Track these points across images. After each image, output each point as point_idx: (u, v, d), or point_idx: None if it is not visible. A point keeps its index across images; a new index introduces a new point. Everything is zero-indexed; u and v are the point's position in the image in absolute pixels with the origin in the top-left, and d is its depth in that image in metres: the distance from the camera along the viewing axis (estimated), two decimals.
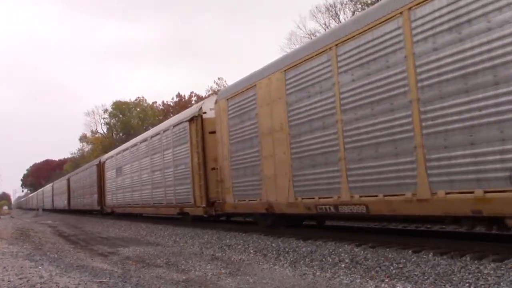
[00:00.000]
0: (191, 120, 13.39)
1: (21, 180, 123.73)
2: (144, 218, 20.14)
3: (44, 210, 52.09)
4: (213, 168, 12.25)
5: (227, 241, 9.99)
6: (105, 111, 67.63)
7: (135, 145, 19.56)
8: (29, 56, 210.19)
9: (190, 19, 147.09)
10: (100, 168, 26.09)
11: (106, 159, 25.33)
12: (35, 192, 77.97)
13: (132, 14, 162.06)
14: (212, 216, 13.01)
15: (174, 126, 14.90)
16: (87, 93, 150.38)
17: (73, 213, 36.69)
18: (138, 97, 67.06)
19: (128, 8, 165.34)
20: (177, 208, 14.71)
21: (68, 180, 38.85)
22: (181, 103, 57.27)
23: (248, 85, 10.44)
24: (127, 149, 20.99)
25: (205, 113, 12.97)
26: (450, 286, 4.91)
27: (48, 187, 55.83)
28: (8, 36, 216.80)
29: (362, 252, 6.93)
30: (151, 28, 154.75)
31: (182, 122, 14.21)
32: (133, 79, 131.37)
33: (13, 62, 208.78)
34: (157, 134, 16.64)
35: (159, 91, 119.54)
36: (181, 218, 15.61)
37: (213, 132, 12.22)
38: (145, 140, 18.19)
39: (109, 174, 24.16)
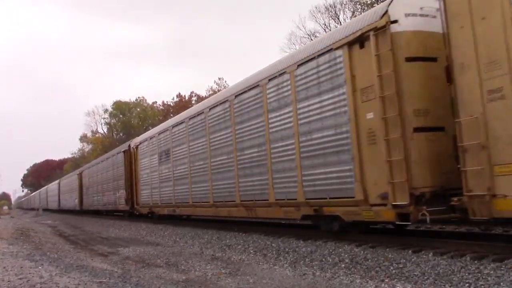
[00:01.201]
0: (357, 41, 7.37)
1: (21, 180, 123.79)
2: (145, 218, 19.21)
3: (50, 211, 48.07)
4: (419, 129, 6.66)
5: (227, 241, 9.99)
6: (106, 111, 67.76)
7: (199, 113, 13.15)
8: (29, 56, 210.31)
9: (190, 20, 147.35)
10: (130, 155, 19.89)
11: (141, 142, 18.84)
12: (38, 191, 71.19)
13: (132, 15, 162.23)
14: (422, 223, 7.38)
15: (300, 64, 8.71)
16: (87, 93, 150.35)
17: (84, 214, 31.58)
18: (138, 97, 67.19)
19: (128, 9, 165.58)
20: (306, 208, 8.60)
21: (80, 174, 32.44)
22: (181, 103, 57.31)
23: None
24: (181, 122, 14.58)
25: (395, 22, 6.83)
26: (450, 286, 4.91)
27: (53, 184, 49.68)
28: (8, 36, 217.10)
29: (362, 252, 6.93)
30: (151, 29, 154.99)
31: (329, 50, 7.96)
32: (133, 79, 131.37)
33: (13, 62, 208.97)
34: (251, 88, 10.34)
35: (159, 91, 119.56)
36: (310, 226, 9.79)
37: (419, 59, 6.81)
38: (221, 102, 11.81)
39: (146, 162, 17.83)
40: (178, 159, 14.53)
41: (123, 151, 21.01)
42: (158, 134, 16.66)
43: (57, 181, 47.22)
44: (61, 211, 42.60)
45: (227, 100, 11.45)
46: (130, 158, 19.90)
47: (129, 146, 20.43)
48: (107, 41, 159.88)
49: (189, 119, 13.88)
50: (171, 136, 15.23)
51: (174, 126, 15.17)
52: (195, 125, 13.39)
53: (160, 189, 16.30)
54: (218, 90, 45.59)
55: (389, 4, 6.98)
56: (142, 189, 18.41)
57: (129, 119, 65.50)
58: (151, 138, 17.59)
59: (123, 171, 20.63)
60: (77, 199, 32.67)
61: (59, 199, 42.98)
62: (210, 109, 12.43)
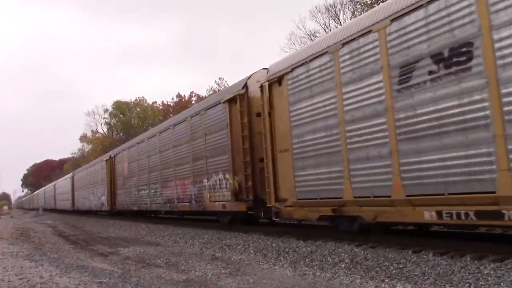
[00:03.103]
0: None
1: (21, 180, 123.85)
2: (144, 217, 19.41)
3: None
4: None
5: (227, 241, 9.99)
6: (106, 111, 67.89)
7: None
8: (29, 57, 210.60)
9: (190, 21, 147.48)
10: (262, 99, 9.52)
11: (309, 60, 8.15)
12: (42, 188, 62.42)
13: (133, 17, 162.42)
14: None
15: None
16: (87, 93, 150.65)
17: (113, 216, 23.30)
18: (138, 97, 67.28)
19: (129, 11, 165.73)
20: None
21: (111, 160, 22.84)
22: (181, 103, 57.37)
23: None
24: None
25: None
26: (450, 286, 4.91)
27: (63, 179, 41.42)
28: (7, 37, 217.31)
29: (362, 252, 6.93)
30: (152, 30, 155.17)
31: None
32: (134, 79, 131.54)
33: (13, 62, 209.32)
34: None
35: (159, 91, 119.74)
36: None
37: None
38: None
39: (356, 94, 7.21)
40: None
41: (238, 95, 10.66)
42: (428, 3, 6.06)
43: (69, 175, 37.71)
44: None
45: None
46: (264, 104, 9.50)
47: (261, 85, 9.62)
48: (108, 42, 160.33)
49: None
50: None
51: None
52: None
53: (418, 155, 6.28)
54: (219, 90, 45.46)
55: None
56: (304, 166, 8.40)
57: (129, 119, 65.57)
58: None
59: (227, 136, 11.16)
60: (105, 195, 23.23)
61: (72, 197, 34.07)
62: None
